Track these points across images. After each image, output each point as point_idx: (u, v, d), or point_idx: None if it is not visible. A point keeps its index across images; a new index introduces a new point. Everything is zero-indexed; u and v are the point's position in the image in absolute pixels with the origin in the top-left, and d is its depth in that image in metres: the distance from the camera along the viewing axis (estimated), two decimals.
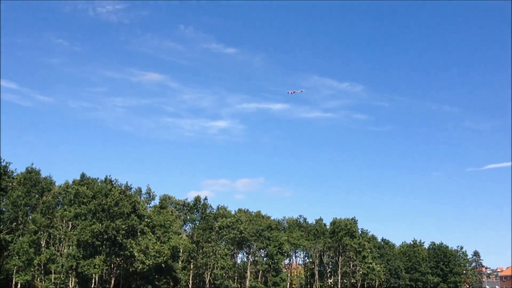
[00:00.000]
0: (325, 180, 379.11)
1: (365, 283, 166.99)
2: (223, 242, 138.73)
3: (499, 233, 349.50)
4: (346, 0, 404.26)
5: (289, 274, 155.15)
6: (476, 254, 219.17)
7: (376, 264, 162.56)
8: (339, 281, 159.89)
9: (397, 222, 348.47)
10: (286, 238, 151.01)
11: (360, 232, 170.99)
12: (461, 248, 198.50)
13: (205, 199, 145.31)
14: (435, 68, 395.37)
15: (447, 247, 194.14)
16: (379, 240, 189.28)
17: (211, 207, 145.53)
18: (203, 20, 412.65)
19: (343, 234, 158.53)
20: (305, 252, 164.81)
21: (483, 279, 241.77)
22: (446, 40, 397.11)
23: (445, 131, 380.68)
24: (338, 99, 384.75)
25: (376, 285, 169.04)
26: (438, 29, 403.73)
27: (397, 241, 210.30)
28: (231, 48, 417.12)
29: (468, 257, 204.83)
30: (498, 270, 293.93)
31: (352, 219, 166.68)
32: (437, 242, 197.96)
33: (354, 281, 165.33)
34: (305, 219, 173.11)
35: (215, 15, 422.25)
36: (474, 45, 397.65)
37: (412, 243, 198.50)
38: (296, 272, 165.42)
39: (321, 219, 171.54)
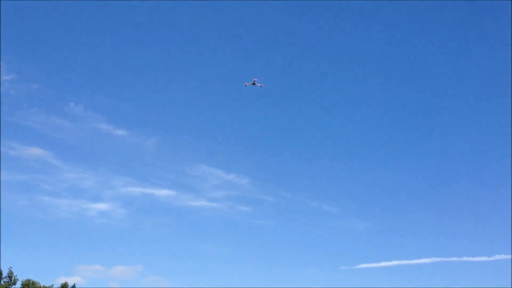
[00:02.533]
0: (205, 272, 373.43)
1: None
2: None
3: None
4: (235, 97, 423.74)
5: None
6: None
7: None
8: None
9: None
10: None
11: None
12: None
13: (73, 286, 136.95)
14: (315, 168, 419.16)
15: None
16: None
17: None
18: (95, 99, 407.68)
19: None
20: None
21: None
22: (323, 148, 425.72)
23: (322, 229, 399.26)
24: (225, 190, 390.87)
25: None
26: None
27: None
28: (121, 130, 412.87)
29: None
30: None
31: None
32: None
33: None
34: None
35: (108, 96, 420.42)
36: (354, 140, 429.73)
37: None
38: None
39: None
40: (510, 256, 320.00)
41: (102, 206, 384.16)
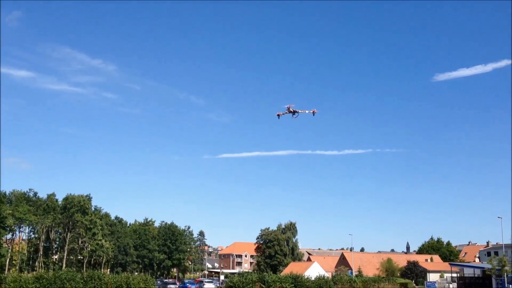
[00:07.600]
0: (64, 155, 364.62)
1: (92, 259, 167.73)
2: None
3: (222, 215, 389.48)
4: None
5: (9, 250, 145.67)
6: (201, 233, 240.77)
7: (105, 241, 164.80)
8: (65, 257, 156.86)
9: (131, 200, 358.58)
10: (10, 212, 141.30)
11: (93, 209, 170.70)
12: (189, 227, 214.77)
13: None
14: (184, 58, 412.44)
15: (176, 226, 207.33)
16: (113, 218, 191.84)
17: None
18: None
19: (74, 210, 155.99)
20: (30, 227, 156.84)
21: (205, 257, 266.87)
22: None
23: (188, 119, 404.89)
24: (89, 75, 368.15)
25: (104, 261, 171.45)
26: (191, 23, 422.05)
27: (131, 219, 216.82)
28: None
29: (194, 236, 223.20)
30: (218, 249, 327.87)
31: (87, 196, 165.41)
32: (169, 221, 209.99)
33: (81, 257, 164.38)
34: (36, 193, 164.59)
35: None
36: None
37: (144, 221, 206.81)
38: (18, 248, 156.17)
39: (54, 195, 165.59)
40: (358, 151, 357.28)
41: None
